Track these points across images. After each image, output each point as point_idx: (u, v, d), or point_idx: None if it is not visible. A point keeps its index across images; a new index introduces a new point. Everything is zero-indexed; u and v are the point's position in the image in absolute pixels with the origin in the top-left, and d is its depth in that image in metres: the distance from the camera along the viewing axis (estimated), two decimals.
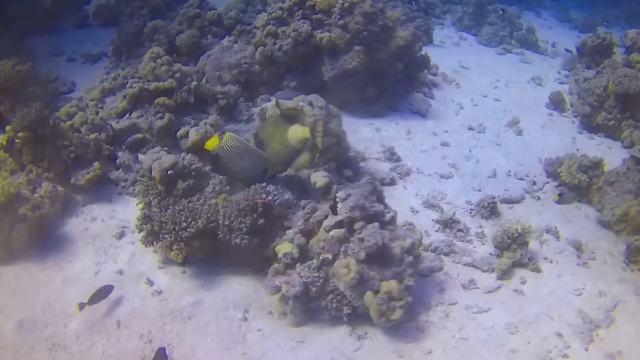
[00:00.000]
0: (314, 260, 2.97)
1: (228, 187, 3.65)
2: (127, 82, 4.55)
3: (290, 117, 3.42)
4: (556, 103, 6.42)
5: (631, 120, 5.59)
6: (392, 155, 4.77)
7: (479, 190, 4.40)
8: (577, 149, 5.21)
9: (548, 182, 4.60)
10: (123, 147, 4.23)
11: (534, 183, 4.57)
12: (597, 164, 4.39)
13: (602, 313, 3.23)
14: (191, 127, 3.95)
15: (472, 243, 3.74)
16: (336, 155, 4.01)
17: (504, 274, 3.46)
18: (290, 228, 3.16)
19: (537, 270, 3.55)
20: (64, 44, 6.68)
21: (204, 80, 5.27)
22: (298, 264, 2.95)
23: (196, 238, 3.06)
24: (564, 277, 3.55)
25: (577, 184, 4.36)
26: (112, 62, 6.06)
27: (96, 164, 3.81)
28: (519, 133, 5.64)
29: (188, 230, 3.01)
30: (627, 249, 3.72)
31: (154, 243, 3.15)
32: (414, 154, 4.89)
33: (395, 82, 5.88)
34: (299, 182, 3.77)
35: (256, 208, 3.03)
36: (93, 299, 2.81)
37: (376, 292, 2.80)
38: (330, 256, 2.92)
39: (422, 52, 6.53)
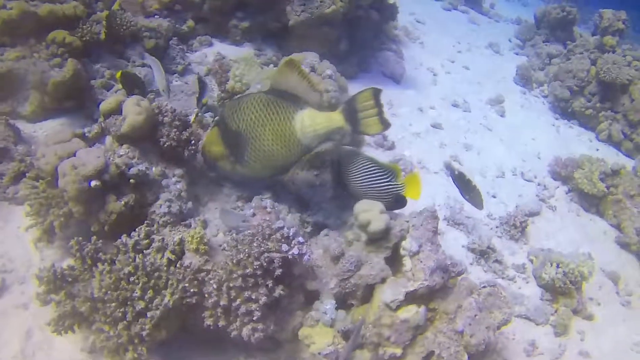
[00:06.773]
0: (367, 353, 1.83)
1: (190, 204, 2.24)
2: None
3: (290, 91, 2.11)
4: (525, 79, 5.79)
5: (610, 112, 5.14)
6: (383, 140, 3.66)
7: (494, 197, 3.55)
8: (597, 149, 4.67)
9: (558, 187, 3.91)
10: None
11: (545, 187, 3.85)
12: (616, 172, 3.78)
13: None
14: (124, 96, 2.36)
15: (514, 281, 2.89)
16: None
17: (564, 329, 2.69)
18: (312, 288, 1.94)
19: (590, 317, 2.86)
20: None
21: (116, 6, 3.49)
22: None
23: (161, 325, 1.68)
24: (617, 324, 2.92)
25: (595, 193, 3.73)
26: None
27: None
28: (502, 114, 4.89)
29: (150, 314, 1.62)
30: None
31: (76, 328, 1.70)
32: (407, 139, 3.84)
33: (367, 35, 4.67)
34: (293, 188, 2.54)
35: (272, 270, 1.74)
36: None
37: None
38: (399, 351, 1.80)
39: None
